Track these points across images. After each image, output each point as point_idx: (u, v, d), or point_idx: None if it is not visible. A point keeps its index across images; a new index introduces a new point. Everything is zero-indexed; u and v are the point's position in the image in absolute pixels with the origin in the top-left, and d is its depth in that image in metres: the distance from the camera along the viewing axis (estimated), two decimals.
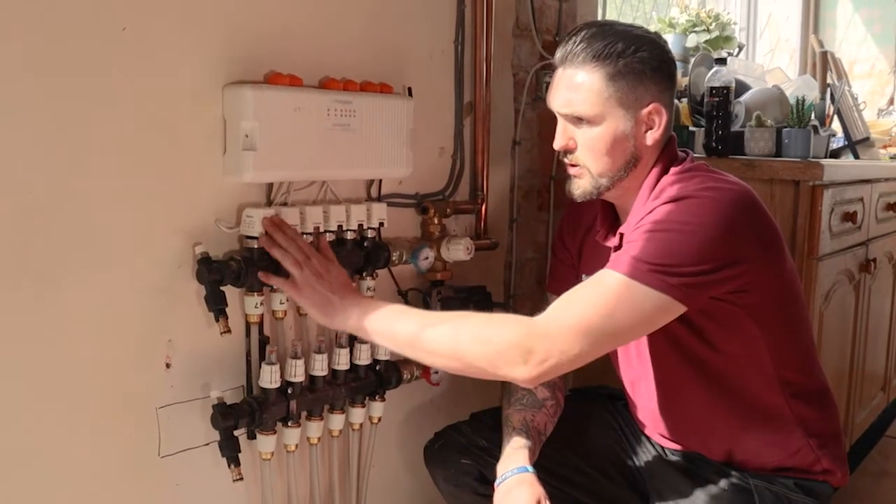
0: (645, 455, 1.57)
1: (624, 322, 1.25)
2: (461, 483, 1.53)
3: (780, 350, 1.41)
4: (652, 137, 1.39)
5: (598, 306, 1.25)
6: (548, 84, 1.48)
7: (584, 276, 1.57)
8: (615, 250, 1.45)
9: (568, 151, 1.42)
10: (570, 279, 1.60)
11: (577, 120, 1.38)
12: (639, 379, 1.51)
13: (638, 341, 1.46)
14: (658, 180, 1.40)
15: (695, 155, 1.89)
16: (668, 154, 1.43)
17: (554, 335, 1.24)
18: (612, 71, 1.34)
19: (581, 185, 1.42)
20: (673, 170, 1.40)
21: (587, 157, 1.39)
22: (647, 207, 1.36)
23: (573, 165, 1.42)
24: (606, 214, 1.51)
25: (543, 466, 1.45)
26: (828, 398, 1.51)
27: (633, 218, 1.41)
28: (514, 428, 1.47)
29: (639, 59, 1.35)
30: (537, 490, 1.34)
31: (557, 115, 1.42)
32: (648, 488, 1.54)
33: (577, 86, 1.37)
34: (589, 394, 1.72)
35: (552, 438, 1.53)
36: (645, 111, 1.37)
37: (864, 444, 2.67)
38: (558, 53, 1.40)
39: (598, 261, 1.53)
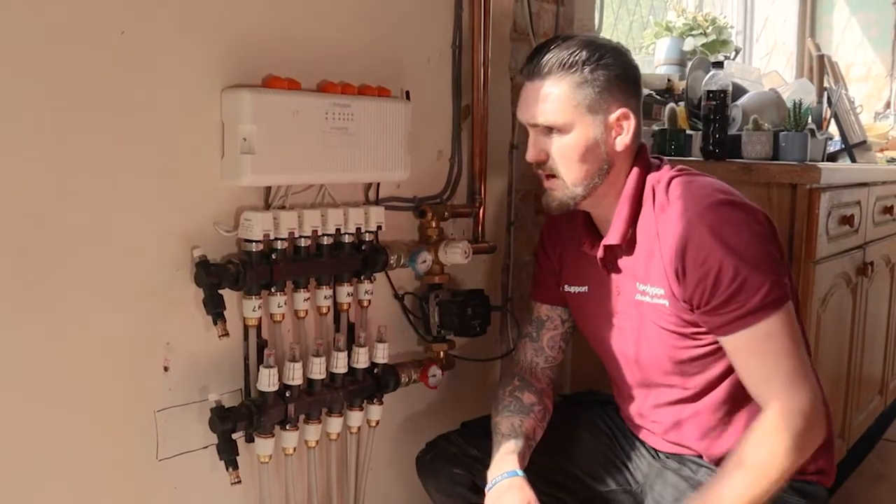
0: (638, 458, 1.57)
1: (800, 340, 1.35)
2: (454, 493, 1.53)
3: None
4: (622, 143, 1.42)
5: (790, 350, 1.32)
6: None
7: (566, 286, 1.58)
8: (602, 260, 1.47)
9: (541, 163, 1.43)
10: (553, 287, 1.61)
11: (548, 130, 1.41)
12: (635, 382, 1.51)
13: (636, 344, 1.46)
14: (638, 187, 1.42)
15: (692, 158, 1.90)
16: (643, 160, 1.45)
17: (793, 410, 1.30)
18: (579, 79, 1.38)
19: (557, 197, 1.44)
20: (657, 175, 1.43)
21: (560, 166, 1.41)
22: (653, 219, 1.39)
23: (548, 177, 1.44)
24: (588, 225, 1.52)
25: (535, 472, 1.45)
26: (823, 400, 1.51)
27: (618, 226, 1.42)
28: (503, 434, 1.47)
29: (603, 66, 1.39)
30: (527, 494, 1.35)
31: (528, 128, 1.44)
32: (643, 492, 1.54)
33: (545, 96, 1.39)
34: (578, 399, 1.73)
35: (543, 444, 1.53)
36: (613, 117, 1.40)
37: (861, 448, 2.67)
38: (525, 68, 1.44)
39: (581, 270, 1.54)
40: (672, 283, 1.37)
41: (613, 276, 1.48)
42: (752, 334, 1.32)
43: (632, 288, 1.45)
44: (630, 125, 1.41)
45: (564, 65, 1.38)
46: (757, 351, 1.33)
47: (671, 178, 1.41)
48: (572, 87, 1.38)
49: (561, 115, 1.38)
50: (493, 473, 1.40)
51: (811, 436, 1.31)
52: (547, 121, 1.40)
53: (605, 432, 1.62)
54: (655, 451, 1.55)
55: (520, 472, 1.38)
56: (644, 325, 1.44)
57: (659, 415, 1.50)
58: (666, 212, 1.38)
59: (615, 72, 1.40)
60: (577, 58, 1.38)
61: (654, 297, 1.41)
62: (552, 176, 1.43)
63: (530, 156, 1.44)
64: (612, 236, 1.44)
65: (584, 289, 1.54)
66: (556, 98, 1.38)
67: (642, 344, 1.45)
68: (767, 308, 1.30)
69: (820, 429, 1.32)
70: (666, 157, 1.52)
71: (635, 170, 1.44)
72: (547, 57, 1.39)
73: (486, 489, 1.39)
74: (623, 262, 1.45)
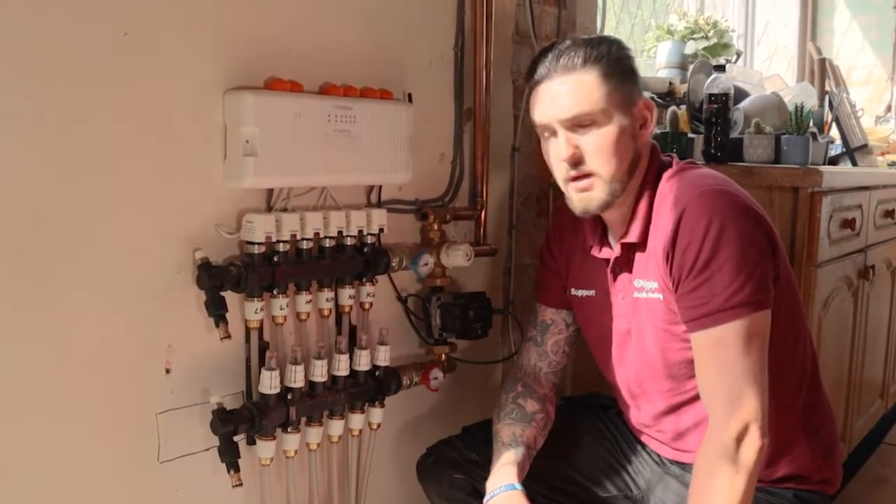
0: (640, 464, 1.57)
1: (763, 352, 1.30)
2: (455, 498, 1.52)
3: (787, 358, 1.41)
4: (647, 134, 1.41)
5: (738, 363, 1.28)
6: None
7: (572, 290, 1.57)
8: (614, 262, 1.46)
9: (577, 162, 1.37)
10: (559, 291, 1.60)
11: (579, 127, 1.36)
12: (635, 390, 1.50)
13: (640, 350, 1.46)
14: (655, 183, 1.41)
15: (694, 160, 1.89)
16: (657, 156, 1.44)
17: (735, 416, 1.27)
18: (605, 70, 1.36)
19: (596, 197, 1.38)
20: (669, 171, 1.42)
21: (598, 161, 1.36)
22: (656, 213, 1.38)
23: (582, 177, 1.38)
24: (594, 226, 1.50)
25: (536, 476, 1.45)
26: (828, 406, 1.51)
27: (638, 224, 1.40)
28: (504, 443, 1.46)
29: (619, 58, 1.38)
30: None
31: (557, 128, 1.37)
32: (644, 498, 1.54)
33: (575, 89, 1.35)
34: (581, 403, 1.72)
35: (544, 448, 1.52)
36: (637, 107, 1.40)
37: (862, 451, 2.67)
38: (541, 69, 1.39)
39: (587, 274, 1.53)
40: (663, 272, 1.36)
41: (618, 277, 1.47)
42: (707, 337, 1.30)
43: (631, 286, 1.44)
44: (652, 115, 1.41)
45: (588, 58, 1.35)
46: (708, 355, 1.31)
47: (675, 172, 1.41)
48: (601, 77, 1.35)
49: (596, 104, 1.35)
50: (491, 485, 1.40)
51: (749, 458, 1.26)
52: (583, 111, 1.34)
53: (607, 437, 1.62)
54: (659, 456, 1.54)
55: (518, 486, 1.37)
56: (643, 328, 1.43)
57: (661, 425, 1.50)
58: (662, 203, 1.38)
59: (629, 63, 1.39)
60: (596, 51, 1.36)
61: (649, 291, 1.40)
62: (587, 175, 1.38)
63: (565, 155, 1.36)
64: (632, 234, 1.42)
65: (591, 293, 1.53)
66: (587, 89, 1.35)
67: (642, 347, 1.45)
68: (729, 312, 1.28)
69: (753, 448, 1.26)
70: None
71: (652, 167, 1.42)
72: (567, 54, 1.36)
73: (485, 501, 1.39)
74: (630, 262, 1.45)
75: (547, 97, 1.38)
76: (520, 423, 1.49)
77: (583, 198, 1.39)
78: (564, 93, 1.36)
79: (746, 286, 1.28)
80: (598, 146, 1.36)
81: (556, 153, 1.38)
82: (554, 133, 1.39)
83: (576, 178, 1.38)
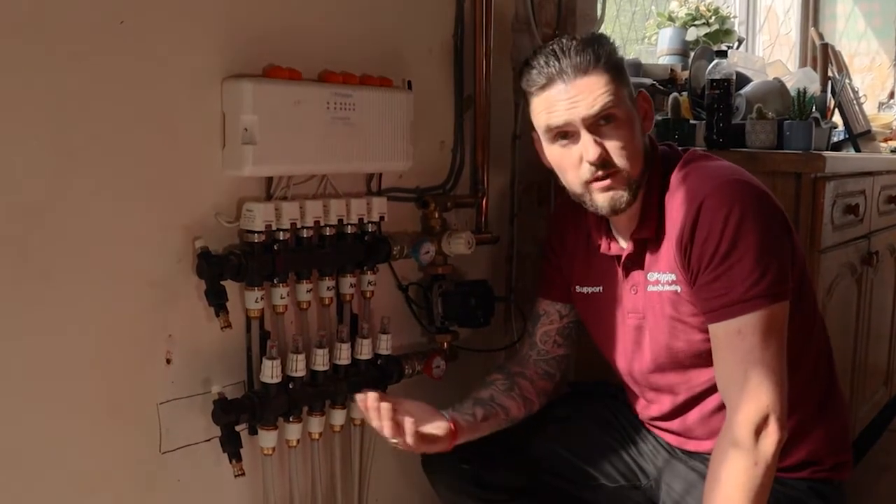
0: (648, 453, 1.56)
1: (781, 344, 1.30)
2: (461, 488, 1.52)
3: (804, 345, 1.41)
4: (649, 126, 1.41)
5: (756, 356, 1.28)
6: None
7: (577, 287, 1.56)
8: (626, 258, 1.44)
9: (605, 161, 1.34)
10: (562, 286, 1.59)
11: (599, 125, 1.33)
12: (649, 383, 1.49)
13: (652, 345, 1.44)
14: (661, 177, 1.40)
15: (697, 148, 1.89)
16: (657, 150, 1.43)
17: (754, 408, 1.27)
18: (613, 67, 1.35)
19: (625, 194, 1.36)
20: (675, 162, 1.41)
21: (621, 157, 1.34)
22: (667, 205, 1.37)
23: (608, 176, 1.35)
24: (599, 223, 1.48)
25: (543, 465, 1.45)
26: (841, 392, 1.52)
27: (649, 218, 1.39)
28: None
29: (618, 55, 1.39)
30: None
31: (580, 128, 1.33)
32: (652, 487, 1.53)
33: (594, 87, 1.33)
34: (589, 392, 1.71)
35: (551, 436, 1.53)
36: (638, 101, 1.40)
37: (866, 439, 2.66)
38: (545, 73, 1.34)
39: (593, 271, 1.52)
40: (680, 263, 1.35)
41: (630, 273, 1.45)
42: (726, 328, 1.30)
43: (645, 280, 1.43)
44: (651, 107, 1.41)
45: (600, 57, 1.33)
46: (727, 346, 1.31)
47: (687, 162, 1.40)
48: (612, 75, 1.34)
49: (615, 100, 1.33)
50: None
51: (769, 451, 1.26)
52: (606, 106, 1.32)
53: (615, 426, 1.61)
54: (670, 445, 1.53)
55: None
56: (657, 322, 1.42)
57: (669, 417, 1.49)
58: (677, 194, 1.37)
59: (623, 60, 1.40)
60: (602, 50, 1.34)
61: (665, 284, 1.39)
62: (611, 174, 1.35)
63: (593, 156, 1.33)
64: (646, 228, 1.40)
65: (597, 289, 1.52)
66: (605, 84, 1.33)
67: (655, 341, 1.44)
68: (749, 303, 1.28)
69: (773, 441, 1.26)
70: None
71: (656, 157, 1.42)
72: (580, 54, 1.34)
73: None
74: (642, 256, 1.43)
75: (562, 98, 1.34)
76: (476, 389, 1.55)
77: (611, 197, 1.36)
78: (584, 91, 1.33)
79: (766, 277, 1.28)
80: (623, 143, 1.34)
81: (579, 156, 1.35)
82: (569, 136, 1.36)
83: (598, 179, 1.36)
